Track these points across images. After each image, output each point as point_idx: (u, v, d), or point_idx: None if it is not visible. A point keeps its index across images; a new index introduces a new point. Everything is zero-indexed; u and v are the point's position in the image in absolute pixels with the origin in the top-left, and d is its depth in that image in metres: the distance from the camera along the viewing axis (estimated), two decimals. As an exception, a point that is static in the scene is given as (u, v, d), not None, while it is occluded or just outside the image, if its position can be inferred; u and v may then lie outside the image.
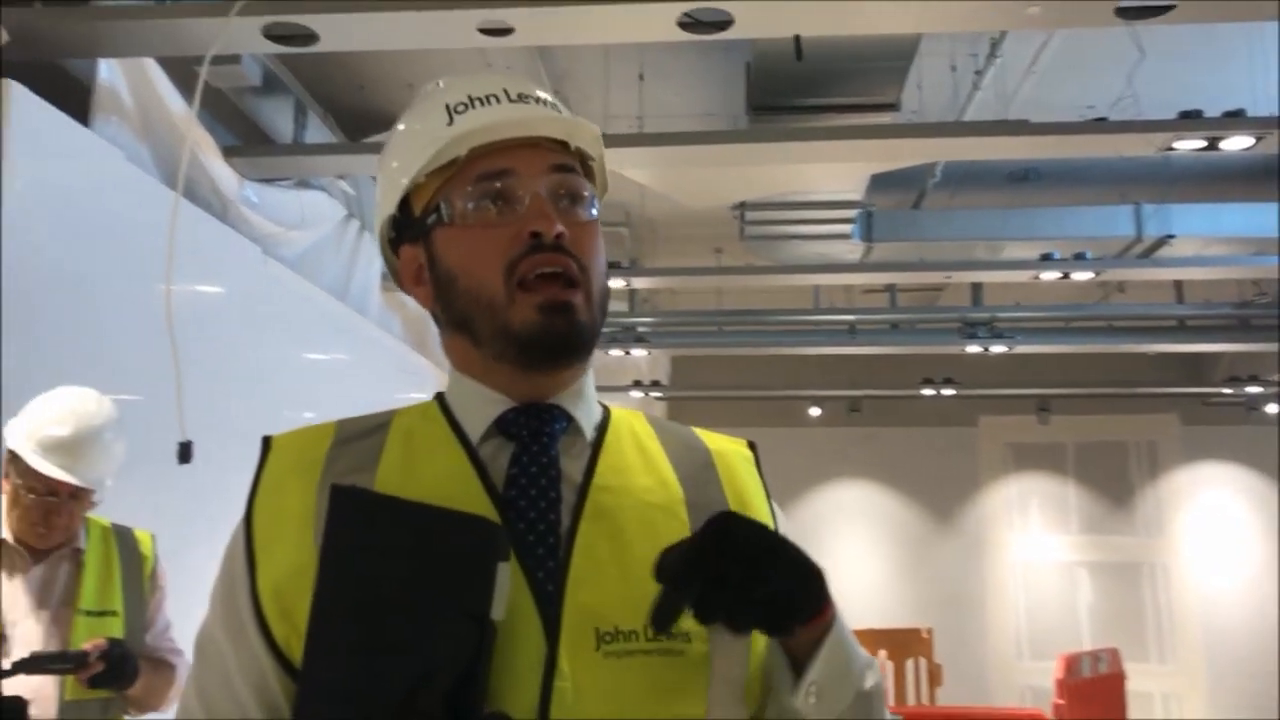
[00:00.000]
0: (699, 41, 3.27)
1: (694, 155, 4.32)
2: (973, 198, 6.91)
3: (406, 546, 0.84)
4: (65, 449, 2.12)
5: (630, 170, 4.68)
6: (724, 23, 3.08)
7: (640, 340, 7.22)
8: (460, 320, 0.97)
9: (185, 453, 2.76)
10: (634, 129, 5.33)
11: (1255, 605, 10.22)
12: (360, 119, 5.54)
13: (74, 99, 3.25)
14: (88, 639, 2.09)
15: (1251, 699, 9.84)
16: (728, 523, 0.84)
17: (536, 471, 0.94)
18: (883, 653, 6.81)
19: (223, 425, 3.64)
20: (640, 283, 6.21)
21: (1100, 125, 4.07)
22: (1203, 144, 4.01)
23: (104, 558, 2.25)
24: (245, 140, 4.38)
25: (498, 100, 0.99)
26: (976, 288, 7.34)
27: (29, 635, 2.08)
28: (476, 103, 0.99)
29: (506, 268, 0.93)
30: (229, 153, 4.02)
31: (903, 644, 7.00)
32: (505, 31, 3.17)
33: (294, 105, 4.54)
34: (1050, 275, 5.93)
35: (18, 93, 2.73)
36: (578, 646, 0.87)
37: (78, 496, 2.17)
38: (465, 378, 1.00)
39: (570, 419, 0.99)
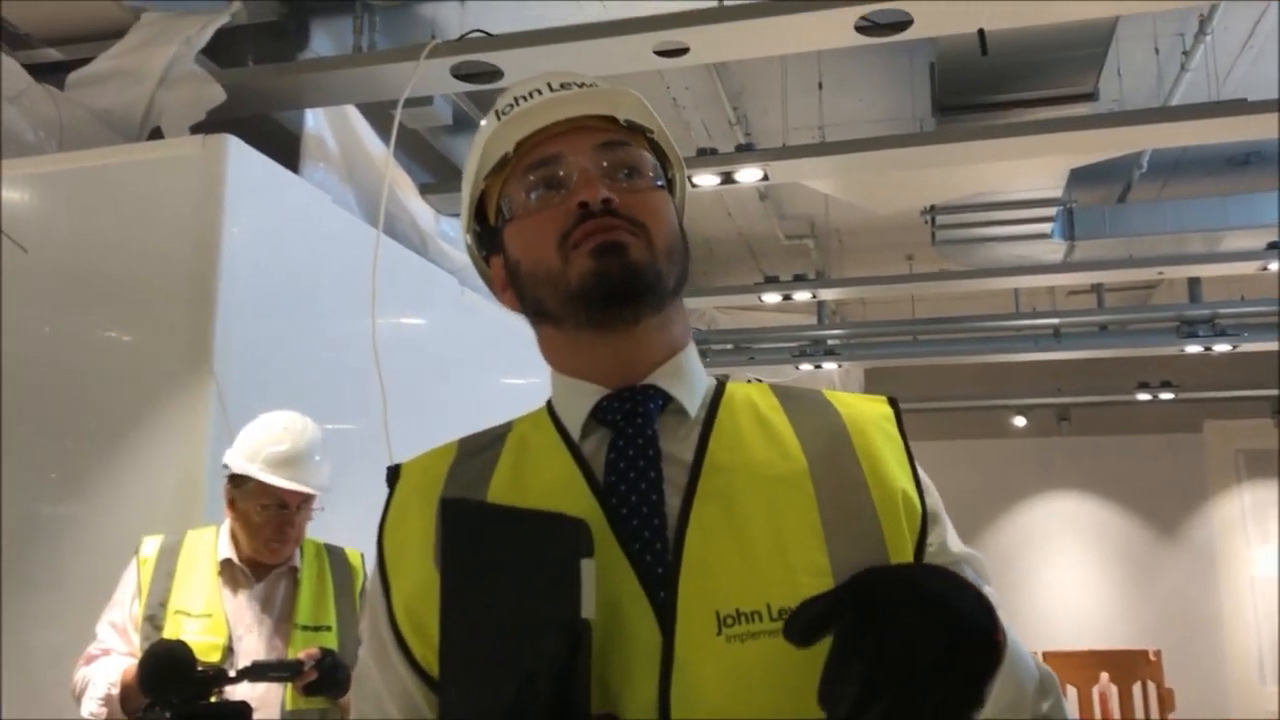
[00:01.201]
0: (878, 45, 3.20)
1: (880, 161, 4.22)
2: (1185, 187, 6.47)
3: (503, 553, 0.83)
4: (288, 462, 2.27)
5: (815, 181, 4.63)
6: (903, 23, 3.00)
7: (831, 353, 7.11)
8: (536, 307, 0.95)
9: (393, 477, 2.89)
10: (816, 139, 5.26)
11: None
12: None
13: (285, 148, 3.49)
14: (304, 651, 2.21)
15: None
16: (876, 598, 0.72)
17: (634, 454, 0.90)
18: (1105, 676, 6.41)
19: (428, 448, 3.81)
20: (828, 294, 6.11)
21: (1329, 98, 3.73)
22: None
23: (318, 575, 2.38)
24: (440, 177, 4.58)
25: (540, 93, 0.98)
26: (1194, 283, 6.85)
27: (252, 648, 2.22)
28: (520, 100, 0.98)
29: (559, 240, 0.91)
30: (425, 190, 4.22)
31: (1128, 667, 6.57)
32: (681, 52, 3.20)
33: (483, 140, 4.73)
34: (1277, 265, 5.46)
35: (235, 146, 2.94)
36: (696, 632, 0.82)
37: (303, 508, 2.32)
38: (560, 375, 0.98)
39: (668, 398, 0.94)
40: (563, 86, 0.98)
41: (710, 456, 0.91)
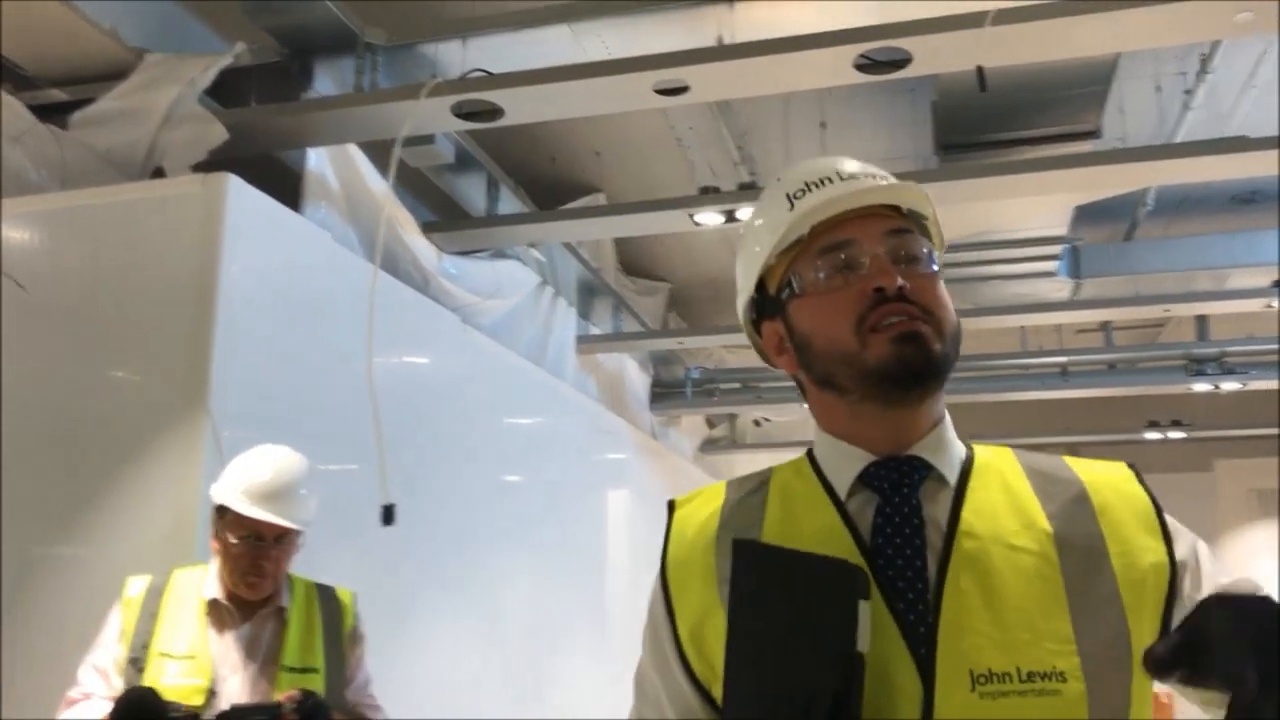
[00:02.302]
0: (880, 84, 3.20)
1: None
2: (1192, 225, 6.44)
3: (787, 590, 0.95)
4: (268, 495, 2.23)
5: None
6: (902, 61, 3.01)
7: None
8: (823, 378, 1.06)
9: (388, 515, 2.86)
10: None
11: None
12: (551, 188, 5.73)
13: (287, 187, 3.50)
14: (285, 694, 2.17)
15: None
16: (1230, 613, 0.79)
17: (900, 521, 1.00)
18: None
19: (425, 489, 3.78)
20: (834, 333, 6.09)
21: (1332, 135, 3.72)
22: None
23: (306, 615, 2.33)
24: (442, 215, 4.59)
25: (830, 181, 1.08)
26: (1202, 320, 6.81)
27: (236, 690, 2.18)
28: (813, 186, 1.08)
29: (856, 322, 1.01)
30: (428, 229, 4.22)
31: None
32: (681, 90, 3.21)
33: (486, 179, 4.74)
34: (1284, 303, 5.43)
35: (234, 185, 2.95)
36: (953, 688, 0.92)
37: (282, 542, 2.26)
38: (830, 436, 1.08)
39: (930, 467, 1.04)
40: (850, 176, 1.08)
41: (963, 524, 1.00)
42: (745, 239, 1.16)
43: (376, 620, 2.54)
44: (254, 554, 2.22)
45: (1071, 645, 0.94)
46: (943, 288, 1.05)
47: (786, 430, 8.65)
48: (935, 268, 1.06)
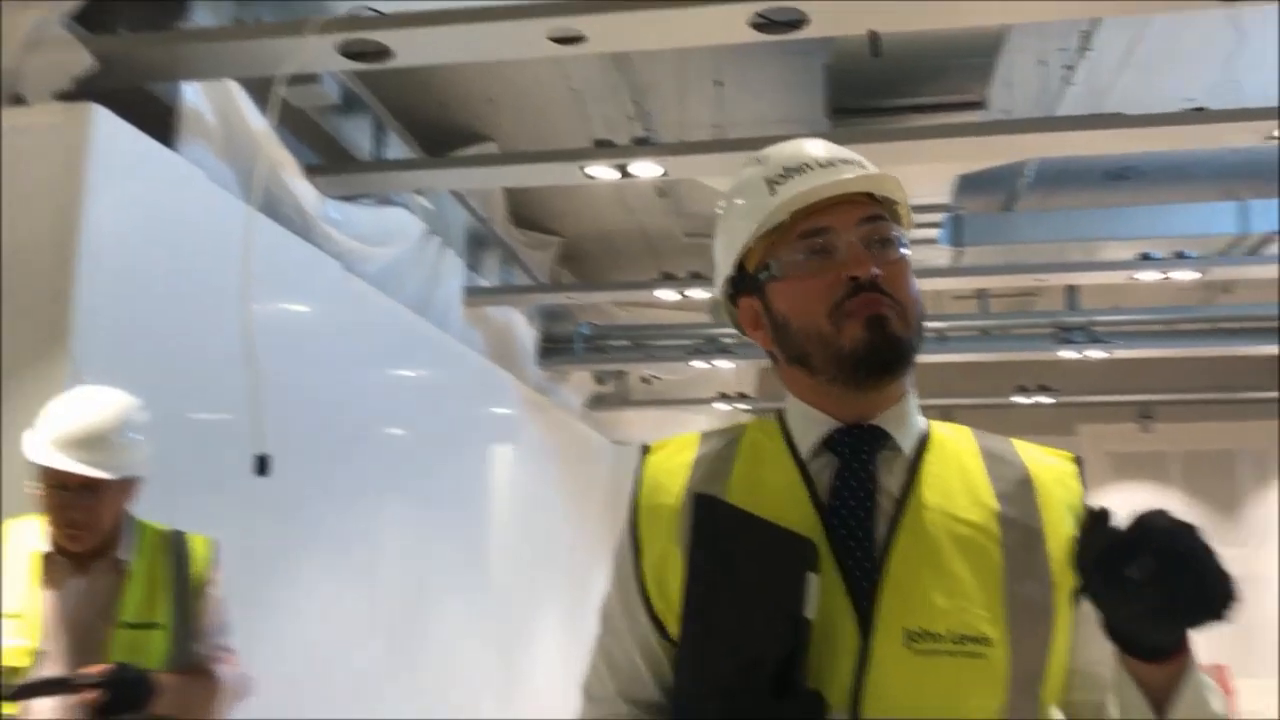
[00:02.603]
0: (776, 44, 3.20)
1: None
2: (1067, 198, 6.68)
3: (745, 551, 1.03)
4: (73, 442, 2.04)
5: (710, 179, 4.63)
6: (797, 21, 3.01)
7: (725, 351, 7.14)
8: (797, 356, 1.13)
9: (263, 466, 2.77)
10: (714, 137, 5.27)
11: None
12: (441, 135, 5.59)
13: (159, 121, 3.32)
14: (128, 652, 2.03)
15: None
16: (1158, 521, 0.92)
17: (856, 485, 1.09)
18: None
19: (305, 441, 3.68)
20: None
21: (1200, 115, 3.88)
22: (1311, 132, 3.78)
23: (151, 567, 2.17)
24: (326, 158, 4.44)
25: (809, 169, 1.15)
26: (1072, 291, 7.09)
27: (62, 650, 2.02)
28: (792, 174, 1.15)
29: (832, 308, 1.08)
30: (310, 171, 4.07)
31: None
32: (576, 39, 3.15)
33: (373, 123, 4.60)
34: (1149, 276, 5.68)
35: (101, 117, 2.79)
36: (888, 642, 1.02)
37: (96, 492, 2.06)
38: (800, 402, 1.16)
39: (889, 438, 1.12)
40: (827, 163, 1.15)
41: (915, 494, 1.09)
42: (724, 218, 1.22)
43: (249, 575, 2.47)
44: (59, 503, 2.04)
45: (1001, 614, 1.04)
46: (910, 271, 1.13)
47: (676, 389, 8.71)
48: (906, 252, 1.13)
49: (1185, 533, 0.92)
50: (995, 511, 1.09)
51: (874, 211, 1.13)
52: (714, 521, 1.06)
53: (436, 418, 5.13)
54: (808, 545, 1.03)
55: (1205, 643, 1.01)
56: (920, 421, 1.17)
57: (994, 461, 1.14)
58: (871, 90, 4.57)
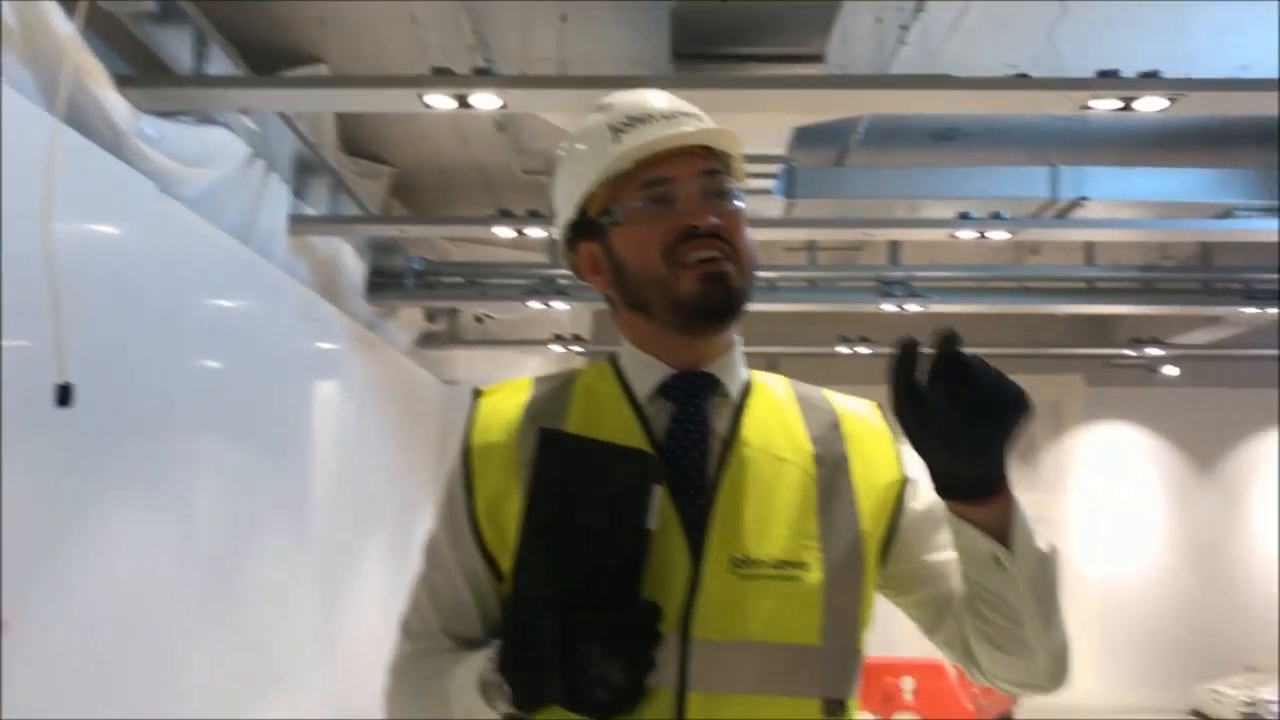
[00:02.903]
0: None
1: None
2: (895, 156, 6.91)
3: (589, 474, 1.08)
4: None
5: (553, 115, 4.55)
6: (648, -41, 2.97)
7: (561, 293, 7.10)
8: (635, 301, 1.20)
9: (64, 395, 2.59)
10: (556, 74, 5.18)
11: (1147, 559, 10.61)
12: (268, 54, 5.28)
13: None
14: None
15: (1142, 651, 10.24)
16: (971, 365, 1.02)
17: (691, 428, 1.18)
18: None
19: (111, 370, 3.46)
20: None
21: (1021, 81, 4.06)
22: (1119, 104, 4.02)
23: None
24: (141, 70, 4.12)
25: (652, 119, 1.20)
26: (894, 246, 7.37)
27: None
28: (636, 123, 1.20)
29: (666, 250, 1.15)
30: (122, 83, 3.78)
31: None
32: (418, -40, 3.02)
33: (194, 35, 4.29)
34: (967, 234, 5.96)
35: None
36: (715, 568, 1.11)
37: None
38: (636, 349, 1.23)
39: (719, 384, 1.21)
40: (669, 115, 1.21)
41: (741, 435, 1.19)
42: (566, 162, 1.26)
43: (48, 513, 2.31)
44: None
45: (815, 542, 1.15)
46: (745, 223, 1.21)
47: (510, 329, 8.61)
48: (740, 205, 1.21)
49: (972, 359, 1.02)
50: (810, 451, 1.20)
51: (712, 165, 1.20)
52: (558, 449, 1.11)
53: (257, 351, 4.92)
54: (651, 460, 1.11)
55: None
56: (745, 370, 1.25)
57: (808, 406, 1.25)
58: (714, 37, 4.59)
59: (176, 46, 4.24)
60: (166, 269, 3.93)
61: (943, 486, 1.09)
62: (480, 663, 1.12)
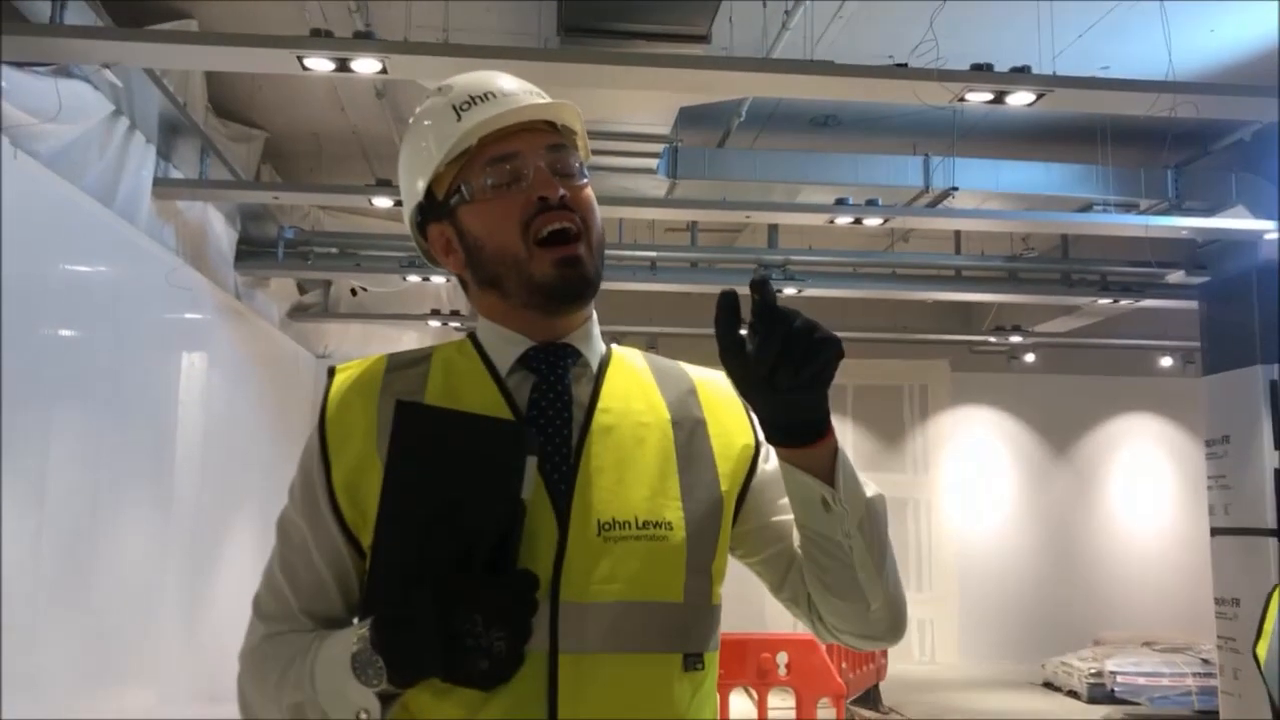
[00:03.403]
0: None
1: (502, 70, 4.13)
2: (775, 140, 7.01)
3: (456, 446, 1.08)
4: None
5: (433, 83, 4.46)
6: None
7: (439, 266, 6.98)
8: (490, 279, 1.20)
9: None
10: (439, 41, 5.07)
11: (1006, 539, 11.10)
12: (133, 7, 5.04)
13: None
14: None
15: (999, 626, 10.72)
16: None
17: (553, 397, 1.19)
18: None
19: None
20: (440, 206, 5.97)
21: (899, 71, 4.17)
22: (991, 97, 4.17)
23: None
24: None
25: (494, 97, 1.21)
26: (773, 229, 7.49)
27: None
28: (477, 100, 1.20)
29: (522, 226, 1.16)
30: (-28, 28, 3.55)
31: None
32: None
33: (53, -18, 4.05)
34: (843, 220, 6.10)
35: None
36: (582, 532, 1.13)
37: None
38: (494, 324, 1.24)
39: (579, 355, 1.23)
40: (509, 93, 1.21)
41: (601, 402, 1.21)
42: (409, 143, 1.26)
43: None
44: None
45: (678, 502, 1.18)
46: (593, 197, 1.22)
47: (383, 302, 8.43)
48: (586, 179, 1.22)
49: (784, 308, 1.05)
50: (667, 417, 1.23)
51: (557, 140, 1.22)
52: (421, 422, 1.12)
53: (119, 319, 4.70)
54: (523, 431, 1.14)
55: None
56: (601, 343, 1.28)
57: (663, 375, 1.28)
58: (602, 13, 4.57)
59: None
60: (20, 229, 3.72)
61: (770, 432, 1.12)
62: (350, 639, 1.09)
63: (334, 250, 7.18)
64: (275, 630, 1.20)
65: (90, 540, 4.36)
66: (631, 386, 1.24)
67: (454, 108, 1.20)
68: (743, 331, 1.08)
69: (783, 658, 5.02)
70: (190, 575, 5.67)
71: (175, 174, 5.50)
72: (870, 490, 1.16)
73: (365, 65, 3.84)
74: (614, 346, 1.30)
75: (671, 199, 6.63)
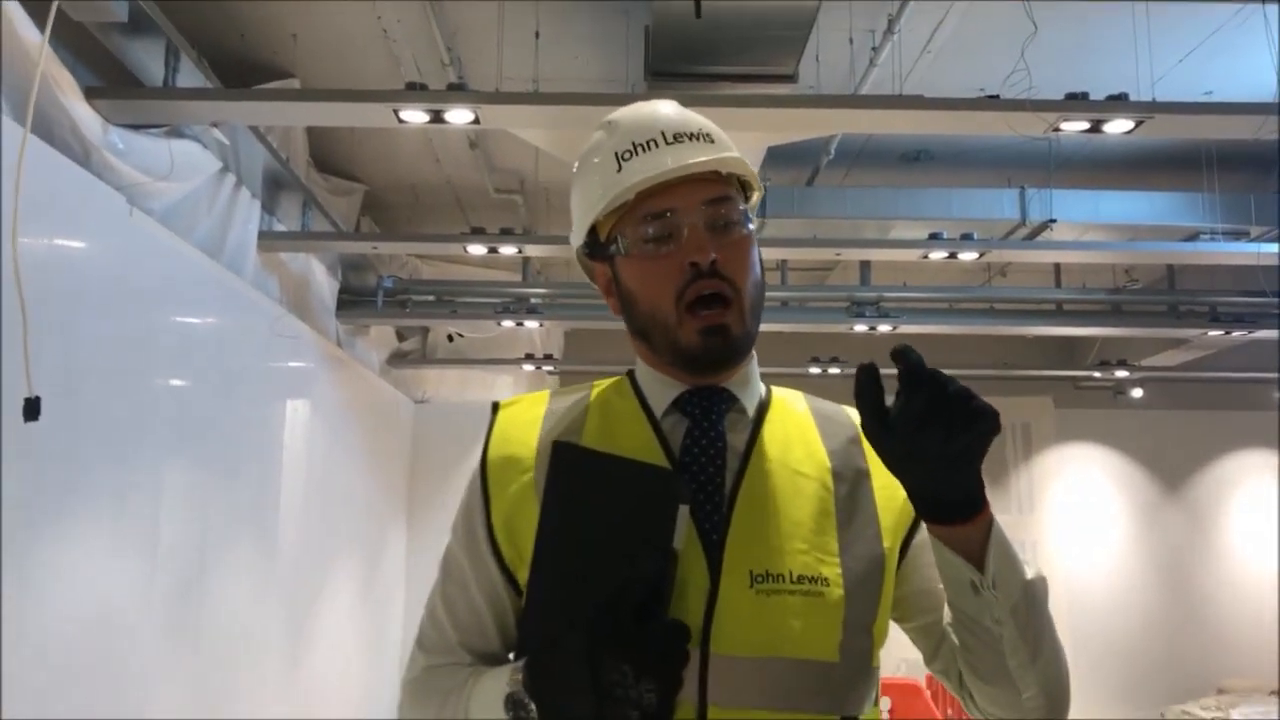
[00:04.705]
0: (595, 2, 3.16)
1: (591, 117, 4.18)
2: (865, 177, 6.97)
3: (609, 491, 1.07)
4: None
5: (526, 132, 4.55)
6: (624, -25, 2.98)
7: (533, 311, 7.08)
8: (640, 331, 1.20)
9: (31, 409, 2.54)
10: (529, 90, 5.18)
11: (1119, 580, 10.67)
12: (240, 67, 5.27)
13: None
14: None
15: (1116, 672, 10.28)
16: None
17: (706, 443, 1.16)
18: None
19: (78, 386, 3.41)
20: (534, 251, 6.06)
21: (991, 102, 4.10)
22: (1087, 125, 4.07)
23: None
24: (110, 81, 4.09)
25: (656, 145, 1.17)
26: (865, 266, 7.41)
27: None
28: (640, 149, 1.17)
29: (675, 295, 1.14)
30: (92, 94, 3.74)
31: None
32: (394, -27, 3.01)
33: (165, 47, 4.26)
34: (938, 255, 6.00)
35: None
36: (734, 584, 1.09)
37: None
38: (649, 367, 1.23)
39: (735, 399, 1.21)
40: (676, 138, 1.18)
41: (758, 450, 1.17)
42: (579, 179, 1.25)
43: (10, 536, 2.26)
44: None
45: (835, 558, 1.13)
46: (754, 253, 1.19)
47: (480, 348, 8.57)
48: (751, 227, 1.19)
49: (933, 373, 0.99)
50: (828, 466, 1.18)
51: (719, 193, 1.17)
52: (576, 464, 1.11)
53: (226, 369, 4.86)
54: (676, 479, 1.11)
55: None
56: (761, 385, 1.25)
57: (825, 421, 1.24)
58: (689, 55, 4.61)
59: (147, 58, 4.21)
60: (134, 283, 3.89)
61: (916, 504, 1.07)
62: (504, 679, 1.09)
63: (431, 298, 7.33)
64: (435, 662, 1.21)
65: (199, 586, 4.49)
66: (791, 433, 1.21)
67: (616, 155, 1.19)
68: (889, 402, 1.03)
69: (885, 703, 4.91)
70: (293, 616, 5.79)
71: (279, 227, 5.70)
72: (1030, 572, 1.10)
73: (458, 115, 3.94)
74: (775, 390, 1.27)
75: (761, 238, 6.60)
